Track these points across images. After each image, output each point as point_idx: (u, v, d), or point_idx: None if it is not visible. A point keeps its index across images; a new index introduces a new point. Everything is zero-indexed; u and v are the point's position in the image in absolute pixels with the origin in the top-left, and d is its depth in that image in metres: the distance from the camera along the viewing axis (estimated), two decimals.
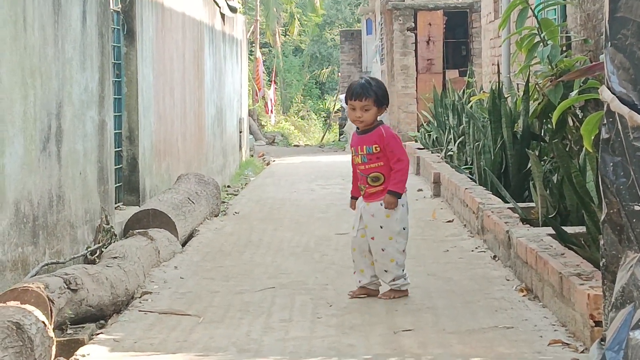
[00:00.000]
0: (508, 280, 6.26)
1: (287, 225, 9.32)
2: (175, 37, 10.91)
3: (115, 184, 8.33)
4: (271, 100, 33.71)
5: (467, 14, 20.59)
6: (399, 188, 5.80)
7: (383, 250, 5.79)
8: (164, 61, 10.24)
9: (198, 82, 12.60)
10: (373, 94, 5.84)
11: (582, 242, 5.93)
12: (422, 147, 15.73)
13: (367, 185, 5.85)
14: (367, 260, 5.87)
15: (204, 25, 13.27)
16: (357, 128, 5.95)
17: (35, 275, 5.76)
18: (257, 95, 33.00)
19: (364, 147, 5.84)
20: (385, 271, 5.81)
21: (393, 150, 5.83)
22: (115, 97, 8.40)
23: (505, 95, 9.82)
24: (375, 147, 5.81)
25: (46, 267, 6.09)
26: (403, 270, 5.86)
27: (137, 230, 7.43)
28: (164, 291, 6.27)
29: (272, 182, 14.17)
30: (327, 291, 6.16)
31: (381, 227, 5.79)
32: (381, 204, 5.79)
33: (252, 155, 20.71)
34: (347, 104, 5.93)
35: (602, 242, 3.56)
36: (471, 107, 11.86)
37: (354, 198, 6.03)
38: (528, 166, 8.30)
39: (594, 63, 7.16)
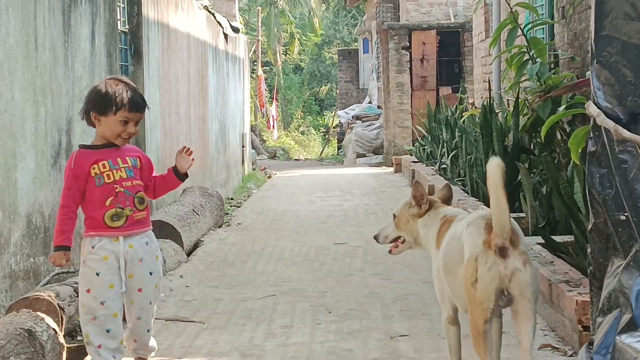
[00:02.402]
0: None
1: (288, 236, 9.35)
2: (180, 56, 10.91)
3: None
4: (273, 116, 33.75)
5: (460, 33, 20.73)
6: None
7: (150, 304, 4.48)
8: (170, 79, 10.25)
9: (202, 99, 12.59)
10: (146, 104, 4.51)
11: (571, 250, 5.97)
12: (417, 160, 15.84)
13: (133, 209, 4.38)
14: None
15: (208, 45, 13.27)
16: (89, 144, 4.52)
17: (47, 284, 5.81)
18: (261, 111, 33.06)
19: (127, 158, 4.44)
20: (148, 331, 4.53)
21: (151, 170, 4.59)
22: None
23: (496, 111, 9.90)
24: (139, 161, 4.50)
25: (57, 276, 6.11)
26: None
27: None
28: (169, 299, 6.32)
29: (273, 195, 14.16)
30: (326, 298, 6.22)
31: (151, 274, 4.45)
32: (147, 242, 4.44)
33: (254, 169, 20.67)
34: (103, 112, 4.36)
35: (589, 250, 3.63)
36: (463, 122, 11.91)
37: (65, 248, 4.32)
38: (518, 178, 8.27)
39: (580, 79, 7.20)
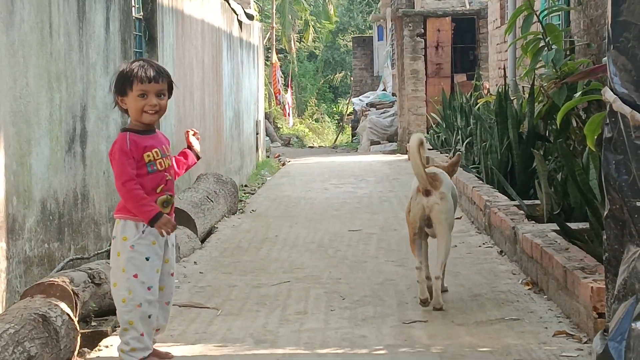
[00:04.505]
0: (514, 274, 6.31)
1: (302, 223, 9.33)
2: (194, 43, 10.92)
3: None
4: (288, 104, 33.76)
5: (475, 20, 20.69)
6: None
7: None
8: (184, 66, 10.26)
9: (216, 86, 12.60)
10: (167, 76, 4.44)
11: (586, 237, 5.96)
12: (432, 147, 15.80)
13: (174, 196, 4.51)
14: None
15: (222, 31, 13.27)
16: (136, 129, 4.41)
17: (61, 270, 5.84)
18: (276, 98, 33.09)
19: (164, 146, 4.47)
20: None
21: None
22: None
23: (512, 98, 9.88)
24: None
25: (71, 262, 6.17)
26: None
27: None
28: (184, 285, 6.32)
29: (287, 182, 14.12)
30: (340, 285, 6.21)
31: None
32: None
33: (268, 156, 20.70)
34: (124, 93, 4.36)
35: (604, 237, 3.60)
36: (478, 109, 11.92)
37: (161, 214, 4.35)
38: (533, 165, 8.33)
39: (596, 65, 7.19)
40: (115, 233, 4.40)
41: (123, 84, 4.34)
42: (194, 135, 4.68)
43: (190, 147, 4.66)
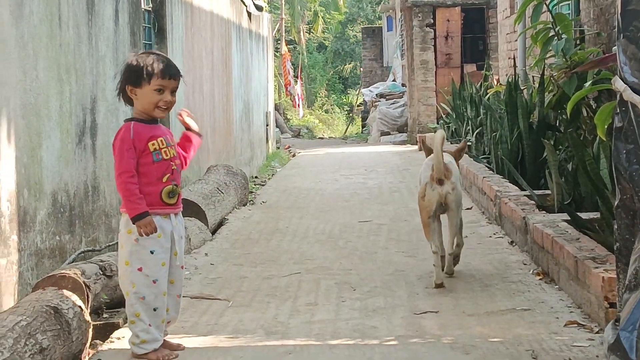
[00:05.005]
0: (525, 264, 6.30)
1: (312, 214, 9.31)
2: (203, 35, 10.93)
3: None
4: (298, 95, 33.76)
5: (484, 10, 20.64)
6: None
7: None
8: (193, 58, 10.27)
9: (226, 78, 12.61)
10: (180, 73, 4.48)
11: (597, 227, 5.94)
12: None
13: (180, 186, 4.52)
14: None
15: (231, 23, 13.27)
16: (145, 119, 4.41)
17: (72, 262, 5.87)
18: (287, 90, 33.09)
19: (168, 137, 4.48)
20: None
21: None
22: None
23: (521, 87, 9.84)
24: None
25: (82, 254, 6.20)
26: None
27: None
28: (195, 277, 6.31)
29: (297, 173, 14.08)
30: (350, 276, 6.21)
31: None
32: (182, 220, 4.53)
33: (278, 148, 20.70)
34: (137, 84, 4.35)
35: (615, 226, 3.61)
36: (488, 99, 11.89)
37: (147, 214, 4.30)
38: (544, 155, 8.30)
39: (606, 55, 7.16)
40: (121, 226, 4.40)
41: (139, 75, 4.33)
42: (187, 116, 4.64)
43: (188, 128, 4.63)
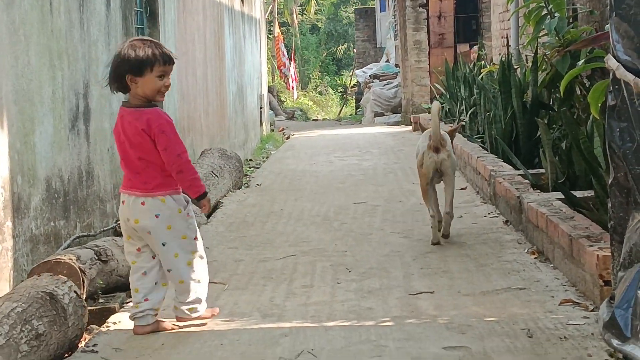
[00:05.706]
0: (520, 243, 6.30)
1: (307, 196, 9.31)
2: (196, 18, 10.90)
3: None
4: (292, 77, 33.70)
5: None
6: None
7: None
8: (186, 42, 10.25)
9: (219, 61, 12.59)
10: None
11: (591, 205, 5.94)
12: None
13: None
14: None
15: (224, 6, 13.24)
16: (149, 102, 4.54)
17: (67, 247, 5.87)
18: (280, 72, 33.02)
19: None
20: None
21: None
22: None
23: (515, 67, 9.85)
24: None
25: (77, 239, 6.20)
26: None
27: None
28: None
29: (292, 155, 14.07)
30: (346, 257, 6.22)
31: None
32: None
33: (272, 130, 20.68)
34: (140, 74, 4.44)
35: (610, 204, 3.62)
36: (482, 78, 11.89)
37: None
38: (537, 134, 8.28)
39: (599, 33, 7.15)
40: (162, 210, 4.52)
41: (141, 64, 4.41)
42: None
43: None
